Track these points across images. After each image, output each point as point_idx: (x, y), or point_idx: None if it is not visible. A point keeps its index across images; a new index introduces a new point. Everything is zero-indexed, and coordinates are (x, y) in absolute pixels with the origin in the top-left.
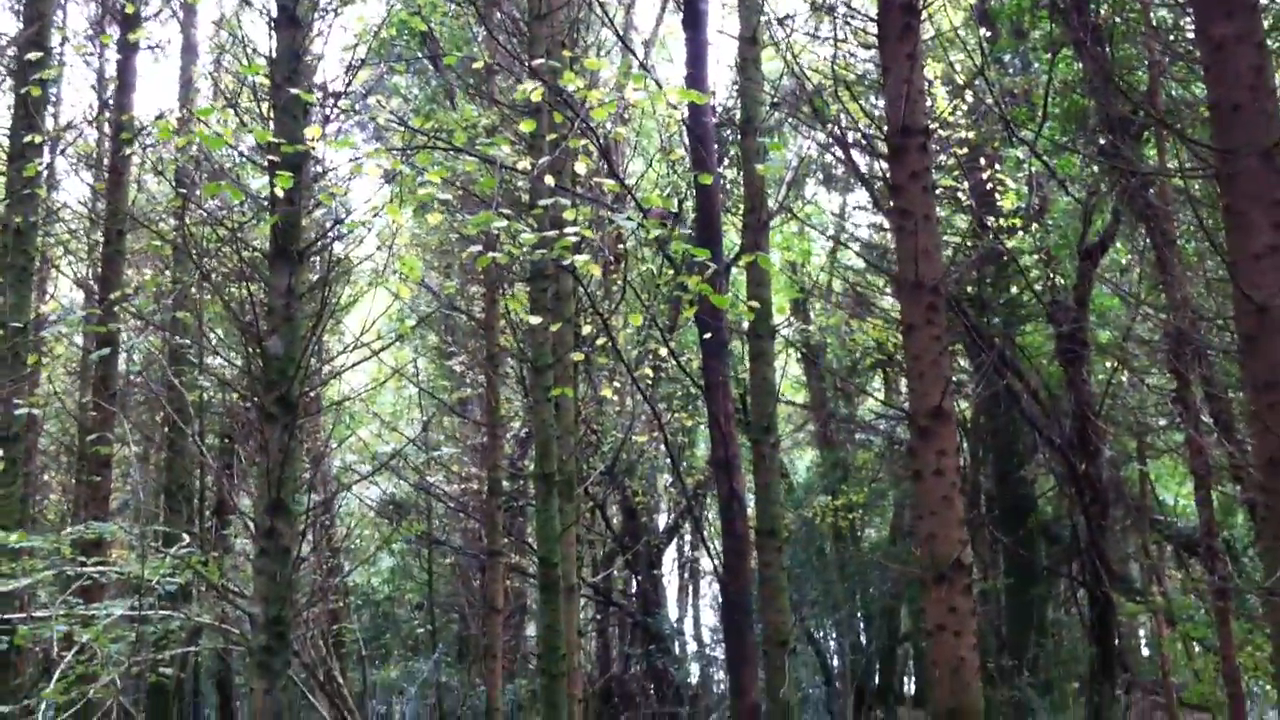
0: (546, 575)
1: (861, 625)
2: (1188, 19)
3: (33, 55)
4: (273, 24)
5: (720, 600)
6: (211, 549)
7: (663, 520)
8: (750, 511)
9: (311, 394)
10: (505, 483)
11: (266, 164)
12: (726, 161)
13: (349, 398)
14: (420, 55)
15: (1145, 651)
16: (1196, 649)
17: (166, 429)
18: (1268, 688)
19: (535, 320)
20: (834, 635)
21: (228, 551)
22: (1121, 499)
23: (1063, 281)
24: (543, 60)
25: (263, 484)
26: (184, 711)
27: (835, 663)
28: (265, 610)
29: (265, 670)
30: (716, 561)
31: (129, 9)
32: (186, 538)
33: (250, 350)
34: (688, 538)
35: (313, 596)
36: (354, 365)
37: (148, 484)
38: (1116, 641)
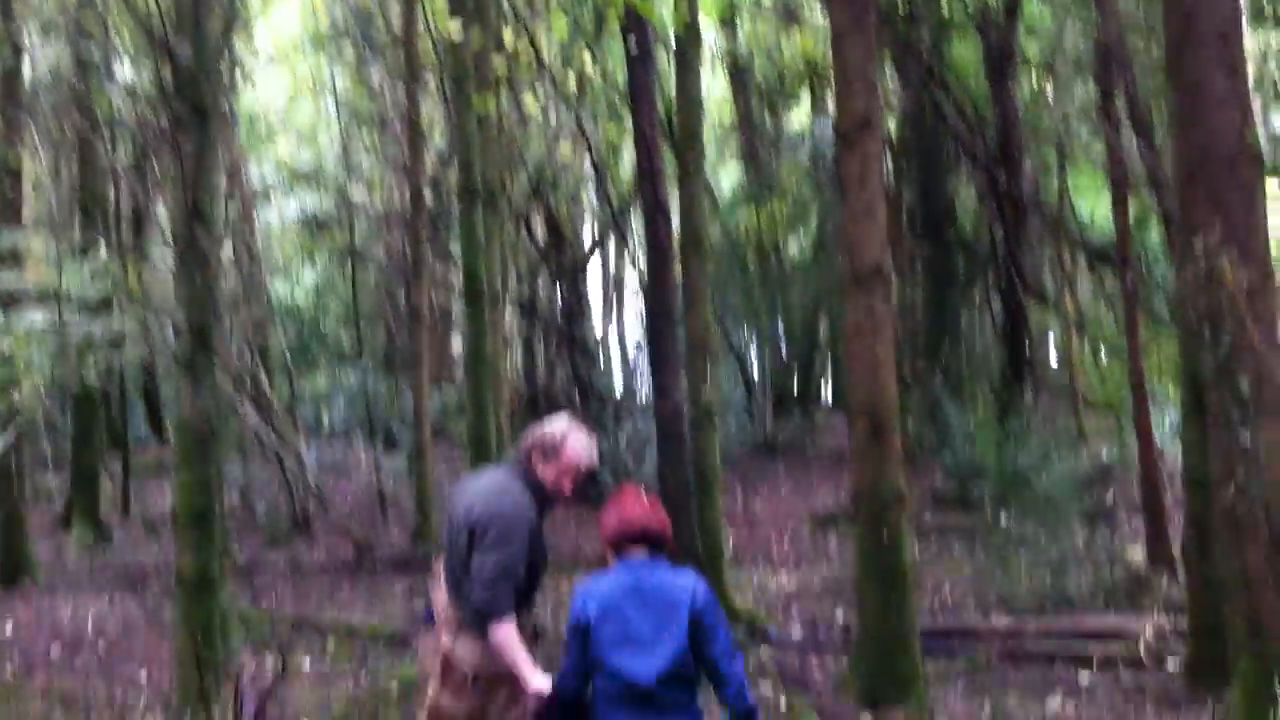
0: (471, 285)
1: (782, 335)
2: None
3: None
4: None
5: (645, 310)
6: (129, 260)
7: (587, 235)
8: (675, 224)
9: (225, 103)
10: (428, 196)
11: None
12: None
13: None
14: None
15: (1054, 361)
16: (1103, 355)
17: (77, 141)
18: (1170, 388)
19: (455, 28)
20: (754, 345)
21: (145, 261)
22: (1039, 211)
23: None
24: None
25: (179, 192)
26: (112, 422)
27: (755, 371)
28: (188, 317)
29: (191, 374)
30: (641, 271)
31: None
32: (103, 249)
33: (159, 58)
34: (612, 253)
35: (235, 305)
36: (267, 72)
37: (61, 198)
38: (1027, 347)
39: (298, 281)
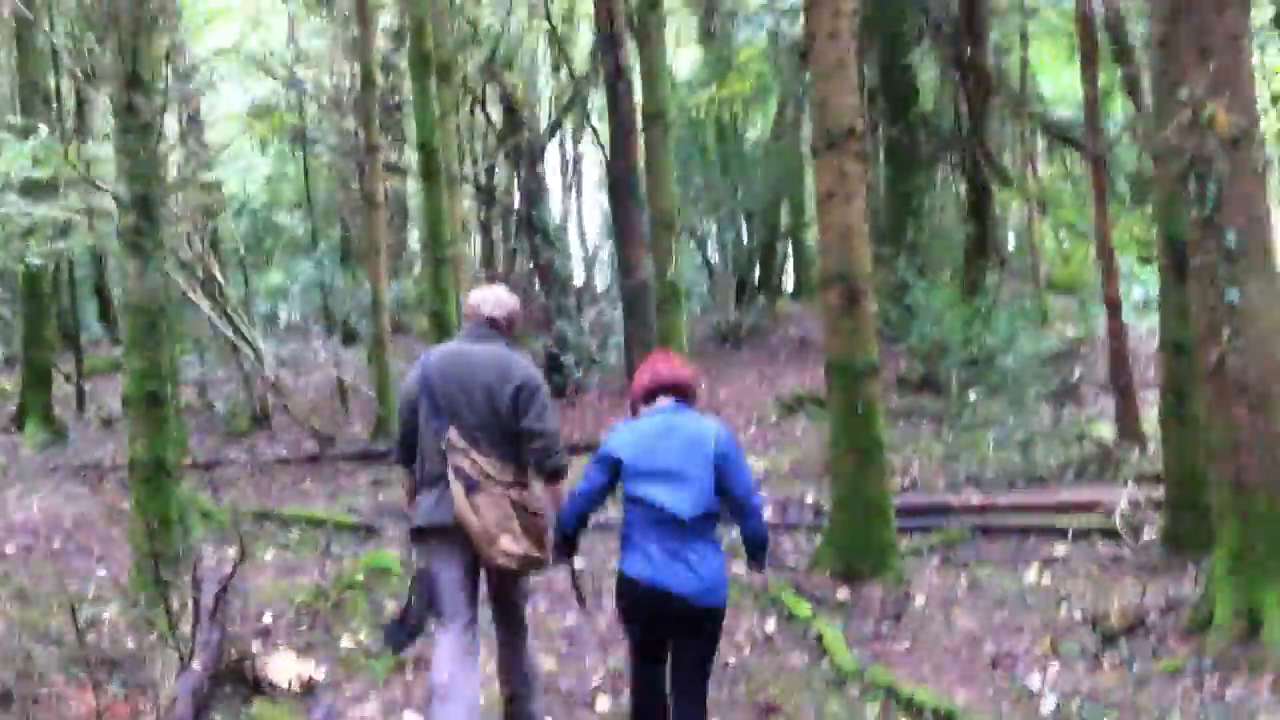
0: (427, 162)
1: (743, 221)
2: None
3: None
4: None
5: (607, 183)
6: (71, 141)
7: (544, 118)
8: (636, 94)
9: None
10: (379, 78)
11: None
12: None
13: None
14: None
15: (1015, 241)
16: (1064, 236)
17: (14, 21)
18: (1133, 266)
19: None
20: (715, 231)
21: (87, 142)
22: (1003, 87)
23: None
24: None
25: (117, 59)
26: (64, 318)
27: (716, 259)
28: (130, 189)
29: (136, 251)
30: (602, 146)
31: None
32: (44, 130)
33: None
34: (569, 139)
35: (183, 188)
36: None
37: None
38: (990, 227)
39: (249, 172)
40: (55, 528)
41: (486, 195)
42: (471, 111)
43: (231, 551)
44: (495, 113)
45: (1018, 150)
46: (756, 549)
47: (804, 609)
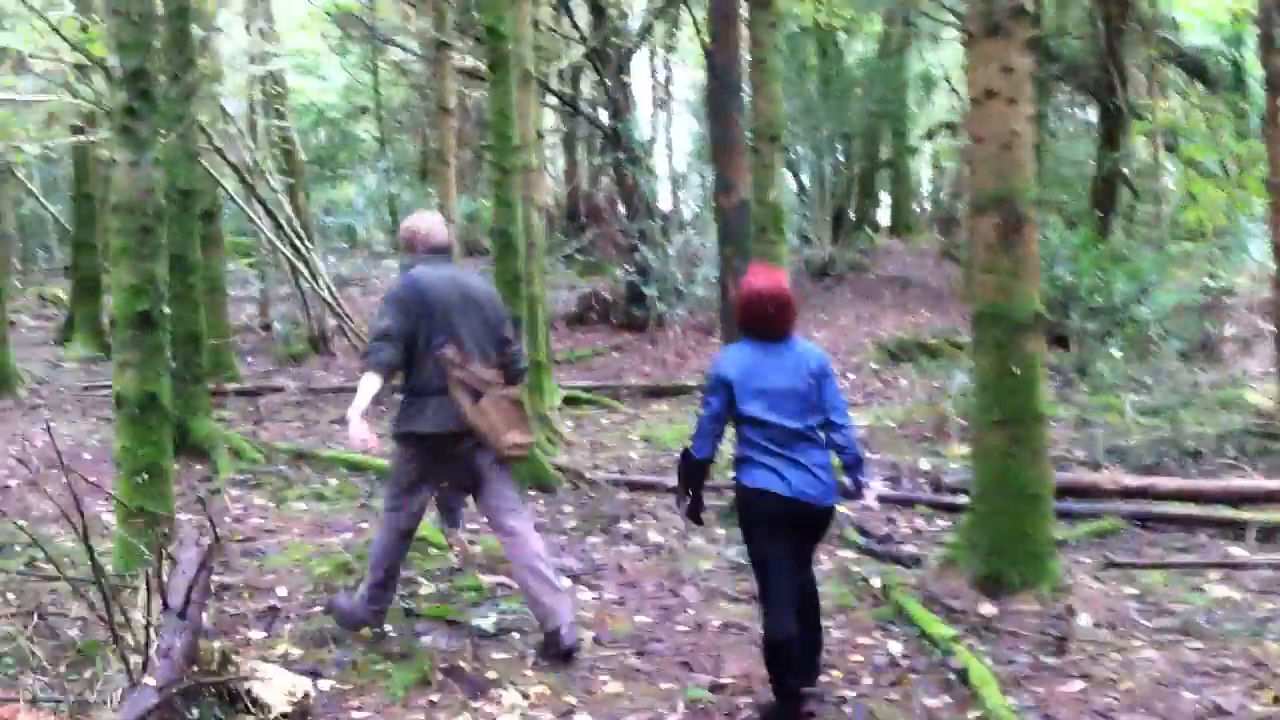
0: (493, 50)
1: (840, 148)
2: None
3: None
4: None
5: (704, 86)
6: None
7: (635, 23)
8: None
9: None
10: None
11: None
12: None
13: None
14: None
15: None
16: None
17: None
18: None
19: None
20: (812, 156)
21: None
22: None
23: None
24: None
25: None
26: None
27: (810, 186)
28: (123, 61)
29: (129, 137)
30: (702, 34)
31: None
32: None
33: None
34: (661, 48)
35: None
36: None
37: None
38: (1124, 161)
39: (326, 81)
40: (74, 458)
41: (569, 104)
42: (555, 8)
43: (259, 499)
44: (581, 14)
45: (1150, 74)
46: (856, 463)
47: (940, 629)
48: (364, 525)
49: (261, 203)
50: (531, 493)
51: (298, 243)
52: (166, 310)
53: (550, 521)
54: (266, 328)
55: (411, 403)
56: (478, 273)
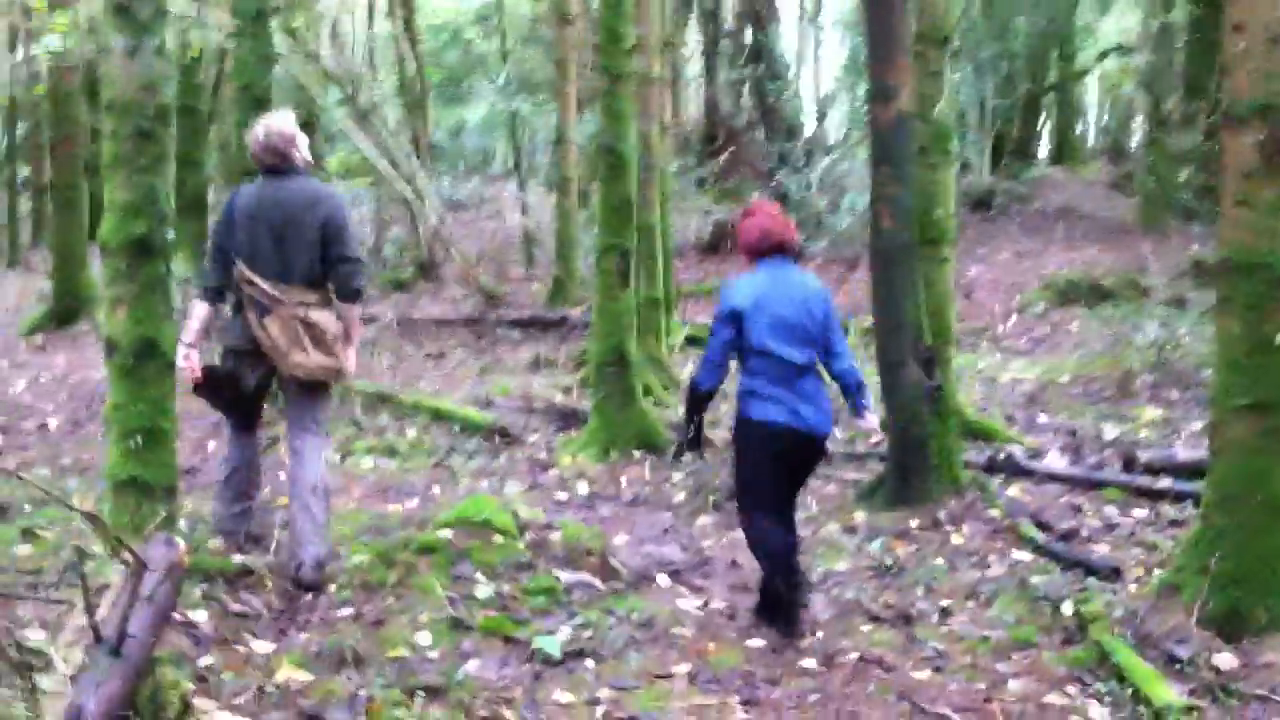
0: None
1: (1004, 69)
2: None
3: None
4: None
5: None
6: None
7: None
8: None
9: None
10: None
11: None
12: None
13: None
14: None
15: None
16: None
17: None
18: None
19: None
20: (972, 77)
21: None
22: None
23: None
24: None
25: None
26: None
27: (968, 109)
28: None
29: (124, 18)
30: None
31: None
32: None
33: None
34: None
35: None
36: None
37: None
38: None
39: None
40: None
41: (706, 13)
42: None
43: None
44: None
45: None
46: (858, 387)
47: (1162, 690)
48: (435, 490)
49: (365, 119)
50: (636, 453)
51: (405, 162)
52: (171, 234)
53: (654, 493)
54: (376, 251)
55: (230, 316)
56: (308, 178)
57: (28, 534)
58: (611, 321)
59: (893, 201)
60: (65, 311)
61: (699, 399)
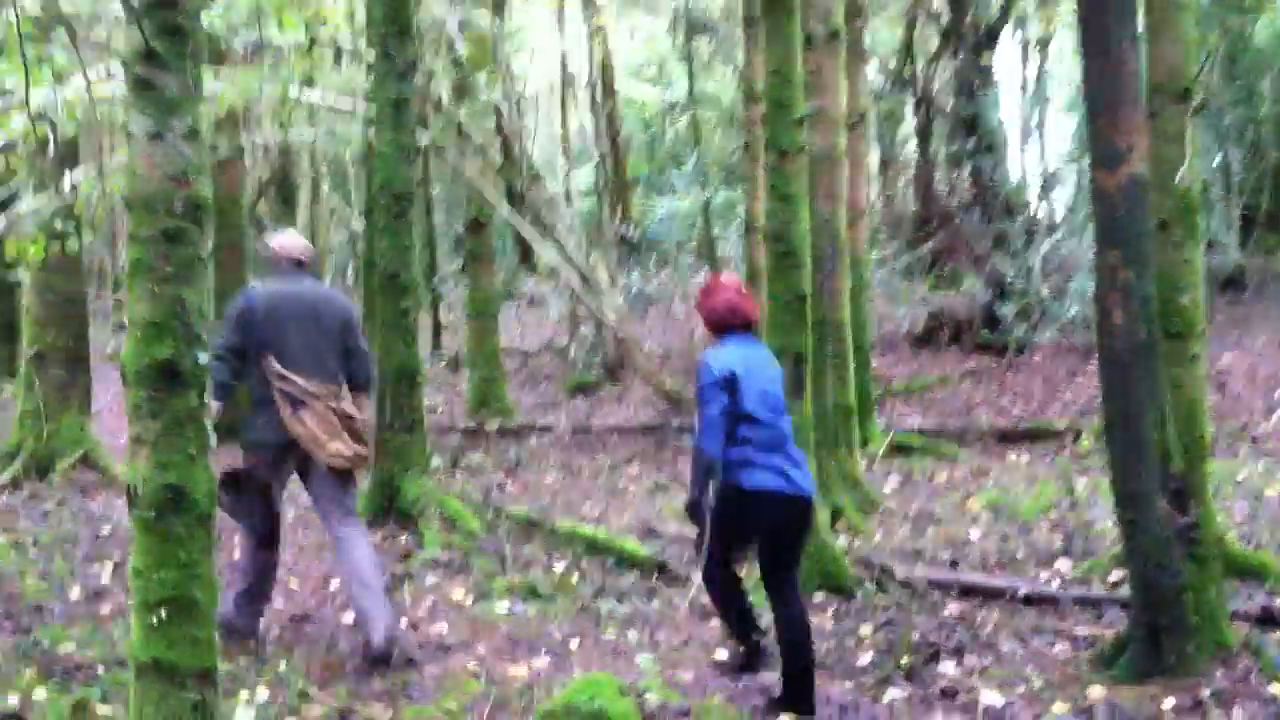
0: None
1: (1250, 135)
2: None
3: None
4: None
5: (1081, 23)
6: None
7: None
8: None
9: None
10: None
11: None
12: None
13: None
14: None
15: None
16: None
17: None
18: None
19: None
20: (1214, 145)
21: None
22: None
23: None
24: None
25: None
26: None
27: (1216, 180)
28: None
29: (148, 99)
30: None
31: None
32: None
33: None
34: (1031, 31)
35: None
36: None
37: None
38: None
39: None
40: None
41: (903, 81)
42: None
43: (457, 591)
44: None
45: None
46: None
47: None
48: (574, 643)
49: (533, 213)
50: (818, 596)
51: (578, 257)
52: (204, 358)
53: (835, 650)
54: (564, 352)
55: (251, 412)
56: (319, 283)
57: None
58: None
59: (1126, 290)
60: None
61: (713, 469)
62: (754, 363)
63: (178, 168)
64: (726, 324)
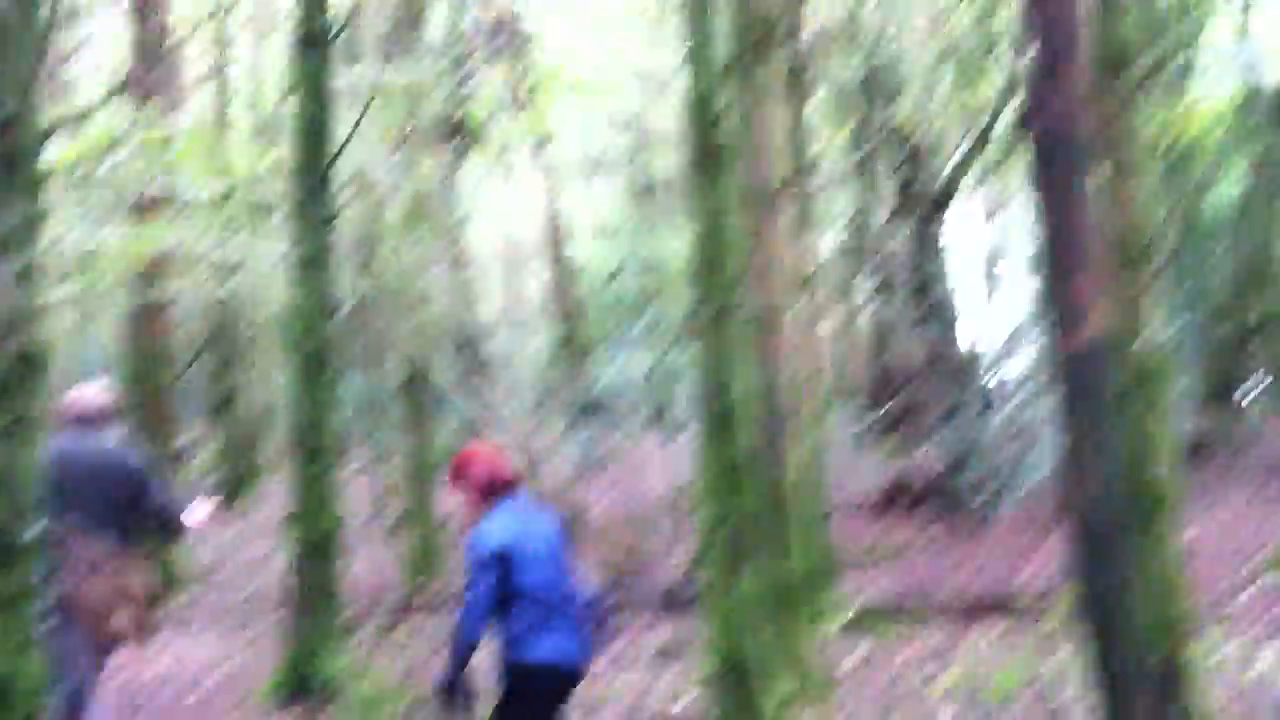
0: (702, 139)
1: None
2: None
3: None
4: None
5: (1035, 168)
6: None
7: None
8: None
9: None
10: None
11: None
12: None
13: None
14: None
15: None
16: None
17: None
18: None
19: None
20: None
21: None
22: None
23: None
24: None
25: None
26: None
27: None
28: None
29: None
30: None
31: None
32: None
33: None
34: (984, 198)
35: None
36: None
37: None
38: None
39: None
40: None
41: (847, 248)
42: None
43: None
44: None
45: None
46: (603, 620)
47: None
48: None
49: (471, 375)
50: None
51: (521, 421)
52: (38, 530)
53: None
54: None
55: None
56: (104, 440)
57: None
58: (723, 619)
59: (1092, 463)
60: None
61: (469, 650)
62: (529, 528)
63: (5, 314)
64: (492, 490)
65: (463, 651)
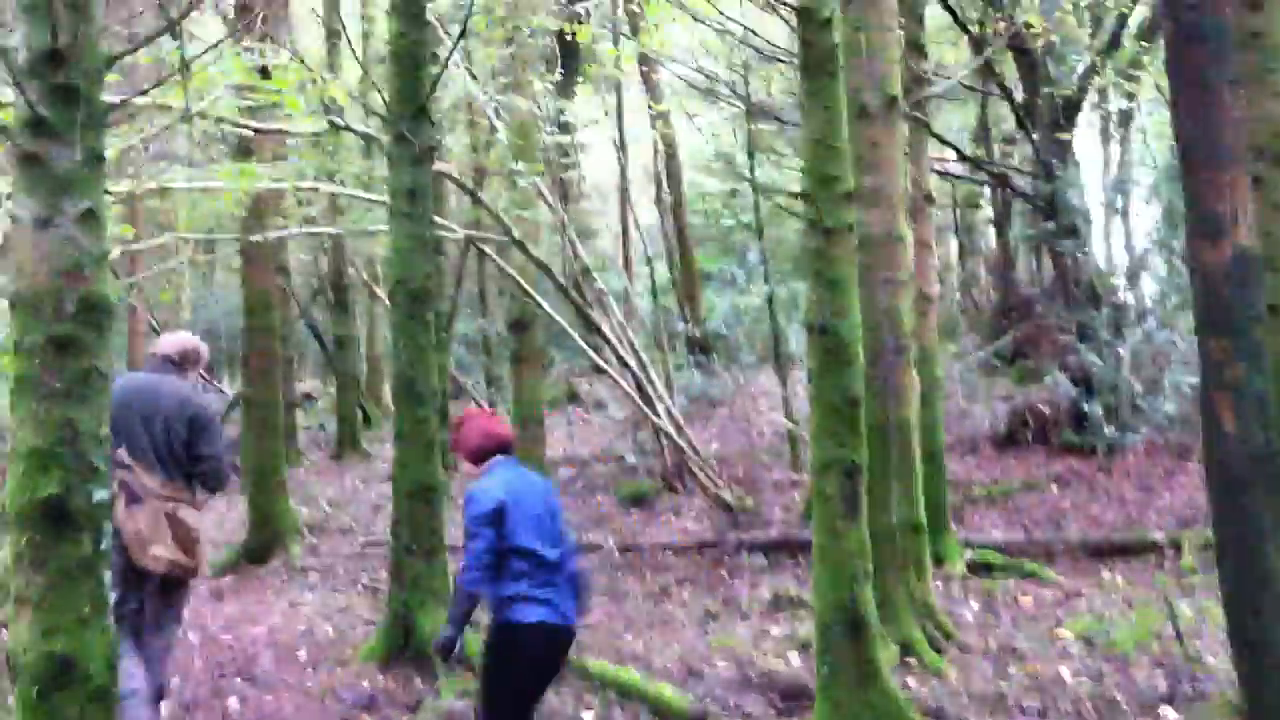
0: (812, 43)
1: None
2: None
3: None
4: None
5: (1170, 64)
6: None
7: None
8: None
9: None
10: None
11: None
12: None
13: None
14: None
15: None
16: None
17: None
18: None
19: None
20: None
21: None
22: None
23: None
24: None
25: None
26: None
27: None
28: None
29: (35, 175)
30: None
31: None
32: None
33: None
34: (1113, 107)
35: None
36: None
37: None
38: None
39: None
40: (287, 650)
41: (968, 160)
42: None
43: None
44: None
45: None
46: (587, 589)
47: None
48: None
49: (582, 313)
50: None
51: (632, 358)
52: (105, 495)
53: None
54: (620, 459)
55: None
56: (183, 382)
57: None
58: (835, 569)
59: (1236, 388)
60: (260, 547)
61: (474, 607)
62: (523, 488)
63: (70, 260)
64: (485, 450)
65: (464, 607)
